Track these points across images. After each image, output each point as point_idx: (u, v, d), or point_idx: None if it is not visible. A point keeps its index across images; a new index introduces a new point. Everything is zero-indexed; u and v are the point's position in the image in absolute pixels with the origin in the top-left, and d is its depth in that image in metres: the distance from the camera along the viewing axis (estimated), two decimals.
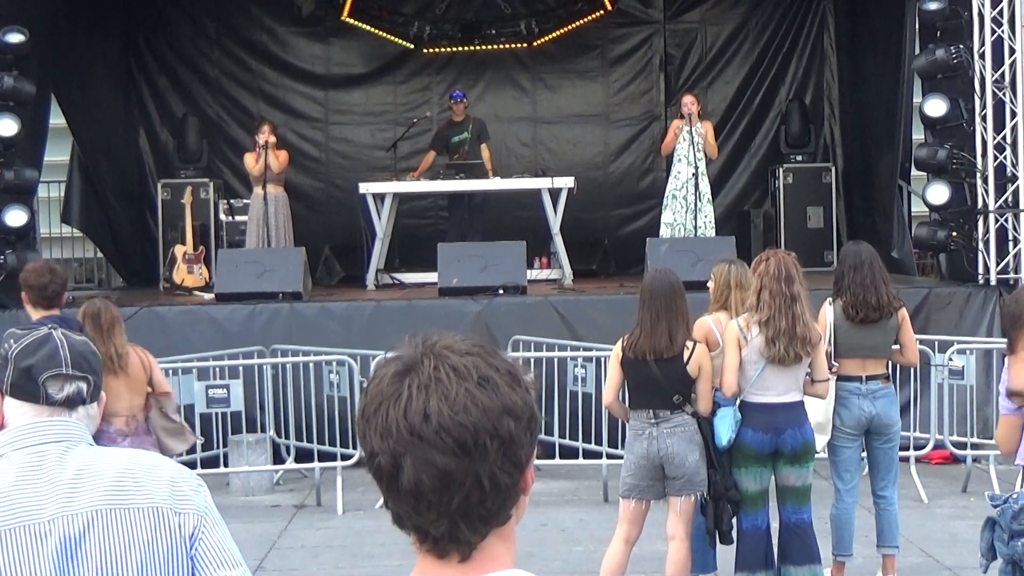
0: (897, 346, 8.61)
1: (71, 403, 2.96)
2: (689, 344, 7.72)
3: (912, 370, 11.72)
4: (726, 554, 8.15)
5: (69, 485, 2.84)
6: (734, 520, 7.89)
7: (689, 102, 14.97)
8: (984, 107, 13.59)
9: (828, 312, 8.47)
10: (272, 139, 15.50)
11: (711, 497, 7.78)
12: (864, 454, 8.73)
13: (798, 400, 7.88)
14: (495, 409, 1.84)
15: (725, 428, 7.75)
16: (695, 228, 14.74)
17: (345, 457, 11.87)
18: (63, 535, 2.79)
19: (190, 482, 2.96)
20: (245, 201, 16.50)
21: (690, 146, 14.79)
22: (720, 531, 7.82)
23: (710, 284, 8.51)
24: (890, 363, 8.78)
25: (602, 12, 18.77)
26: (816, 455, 8.12)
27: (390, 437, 1.83)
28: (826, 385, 8.02)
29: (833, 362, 8.33)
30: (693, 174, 14.77)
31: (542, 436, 11.35)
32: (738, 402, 7.82)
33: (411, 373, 1.86)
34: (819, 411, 8.27)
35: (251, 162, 15.50)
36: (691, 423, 7.71)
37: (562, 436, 12.17)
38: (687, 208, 14.84)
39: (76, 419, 2.97)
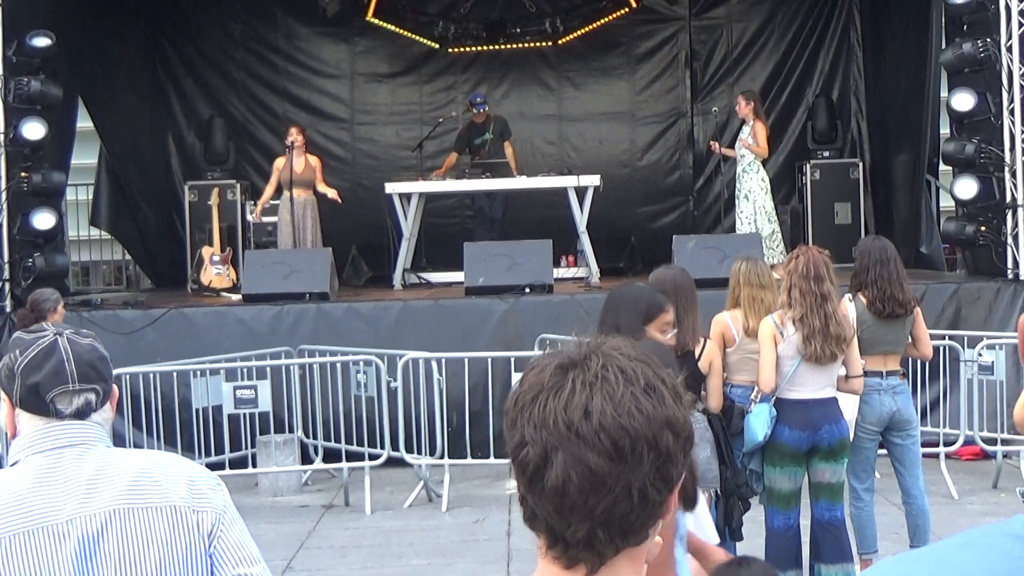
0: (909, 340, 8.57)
1: (80, 415, 2.95)
2: (701, 340, 7.72)
3: (941, 366, 11.67)
4: (758, 552, 8.13)
5: (87, 486, 2.84)
6: (771, 518, 7.89)
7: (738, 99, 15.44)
8: (1012, 101, 13.50)
9: (850, 308, 8.42)
10: (300, 140, 15.51)
11: (722, 493, 7.76)
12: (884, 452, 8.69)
13: (832, 396, 7.84)
14: (658, 420, 1.76)
15: (760, 425, 7.72)
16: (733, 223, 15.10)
17: (373, 457, 11.87)
18: (82, 535, 2.79)
19: (208, 481, 2.96)
20: (273, 202, 16.52)
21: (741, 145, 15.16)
22: (730, 527, 7.80)
23: None
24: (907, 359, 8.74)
25: (627, 9, 18.76)
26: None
27: (545, 429, 1.75)
28: (861, 381, 7.98)
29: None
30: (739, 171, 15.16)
31: None
32: (773, 399, 7.79)
33: (576, 368, 1.78)
34: (846, 409, 8.23)
35: (281, 166, 15.55)
36: (701, 419, 7.68)
37: None
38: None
39: (90, 423, 2.97)
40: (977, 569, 1.44)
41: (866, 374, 8.31)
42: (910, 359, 9.15)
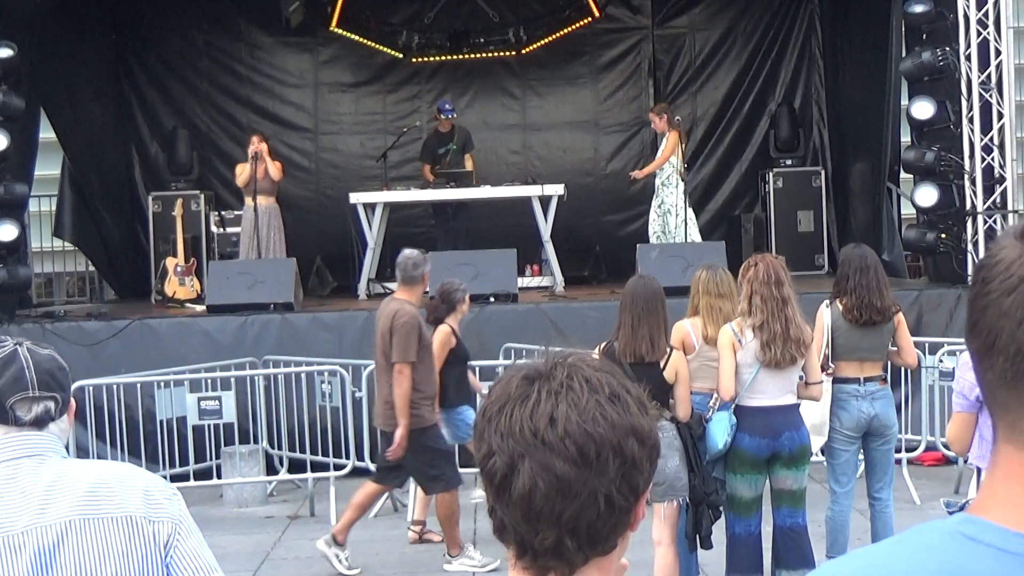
0: (894, 348, 8.62)
1: (39, 423, 2.96)
2: (667, 350, 7.76)
3: (903, 372, 11.74)
4: (721, 559, 8.17)
5: (42, 497, 2.85)
6: (732, 524, 7.93)
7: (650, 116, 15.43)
8: (971, 109, 13.63)
9: (825, 314, 8.47)
10: (263, 148, 15.50)
11: (691, 501, 7.80)
12: (861, 456, 8.74)
13: (793, 403, 7.89)
14: (623, 427, 1.78)
15: (720, 432, 7.77)
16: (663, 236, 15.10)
17: (338, 467, 11.87)
18: (37, 546, 2.80)
19: (164, 491, 2.97)
20: (236, 212, 16.50)
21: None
22: (699, 535, 7.84)
23: None
24: (889, 365, 8.81)
25: (590, 19, 18.79)
26: (811, 458, 8.14)
27: (511, 437, 1.77)
28: (820, 387, 8.03)
29: (830, 363, 8.35)
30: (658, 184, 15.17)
31: None
32: (733, 407, 7.83)
33: (542, 378, 1.82)
34: (816, 413, 8.28)
35: (239, 172, 15.60)
36: (670, 428, 7.72)
37: None
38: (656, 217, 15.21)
39: (47, 433, 2.98)
40: (911, 562, 1.49)
41: (842, 380, 8.37)
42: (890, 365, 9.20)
